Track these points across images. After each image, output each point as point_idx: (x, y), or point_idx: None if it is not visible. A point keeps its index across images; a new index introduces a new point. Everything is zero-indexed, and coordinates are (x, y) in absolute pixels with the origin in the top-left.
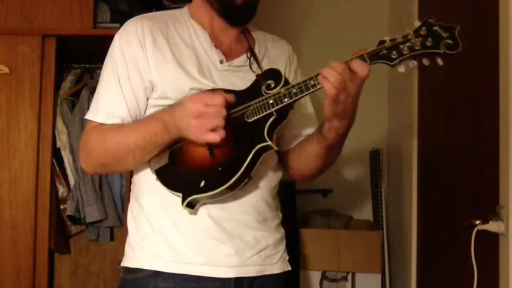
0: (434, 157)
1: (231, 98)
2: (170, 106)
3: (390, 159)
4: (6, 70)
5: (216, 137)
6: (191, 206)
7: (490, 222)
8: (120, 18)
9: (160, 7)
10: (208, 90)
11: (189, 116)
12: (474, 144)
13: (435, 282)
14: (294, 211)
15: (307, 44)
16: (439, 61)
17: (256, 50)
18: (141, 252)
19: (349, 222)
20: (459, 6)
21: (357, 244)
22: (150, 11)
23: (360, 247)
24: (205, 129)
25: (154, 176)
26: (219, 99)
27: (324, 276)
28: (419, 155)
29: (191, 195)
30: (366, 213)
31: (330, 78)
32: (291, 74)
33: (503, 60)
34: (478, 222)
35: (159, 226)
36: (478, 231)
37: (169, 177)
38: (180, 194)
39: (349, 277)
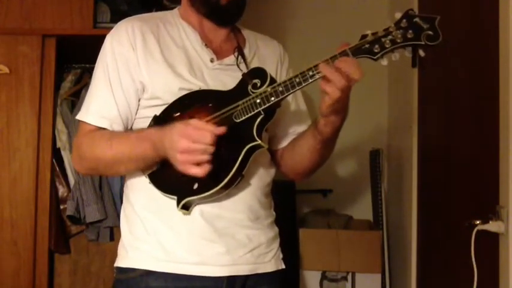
0: (434, 157)
1: (221, 131)
2: (161, 127)
3: (390, 159)
4: (6, 70)
5: (199, 172)
6: (186, 207)
7: (490, 222)
8: (120, 18)
9: (161, 7)
10: (197, 91)
11: (175, 149)
12: (474, 144)
13: (435, 282)
14: (294, 211)
15: (305, 42)
16: (421, 52)
17: (247, 50)
18: (133, 252)
19: (349, 222)
20: (459, 5)
21: (357, 244)
22: (150, 11)
23: (360, 247)
24: (190, 163)
25: (147, 180)
26: (208, 138)
27: (323, 276)
28: (419, 154)
29: (185, 198)
30: (366, 213)
31: (336, 81)
32: (283, 74)
33: (504, 60)
34: (478, 222)
35: (152, 226)
36: (478, 231)
37: (162, 181)
38: (175, 197)
39: (349, 277)
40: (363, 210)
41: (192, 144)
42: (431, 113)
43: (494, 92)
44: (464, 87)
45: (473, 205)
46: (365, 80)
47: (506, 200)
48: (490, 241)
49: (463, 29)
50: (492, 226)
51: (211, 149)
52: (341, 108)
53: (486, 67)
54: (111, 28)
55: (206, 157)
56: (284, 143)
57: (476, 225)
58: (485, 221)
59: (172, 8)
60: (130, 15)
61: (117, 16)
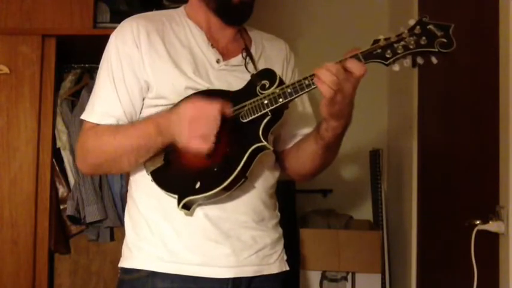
0: (434, 157)
1: (229, 111)
2: (167, 110)
3: (390, 159)
4: (6, 70)
5: (204, 147)
6: (187, 207)
7: (490, 222)
8: (120, 18)
9: (160, 7)
10: (203, 90)
11: (183, 121)
12: (474, 144)
13: (435, 282)
14: (294, 211)
15: (305, 43)
16: (434, 59)
17: (253, 50)
18: (138, 253)
19: (349, 222)
20: (459, 5)
21: (357, 244)
22: (150, 10)
23: (360, 247)
24: (196, 135)
25: (150, 178)
26: (216, 109)
27: (324, 276)
28: (419, 155)
29: (187, 197)
30: (366, 213)
31: (325, 79)
32: (288, 74)
33: (503, 60)
34: (478, 222)
35: (156, 227)
36: (478, 231)
37: (164, 179)
38: (176, 196)
39: (349, 277)
40: (363, 210)
41: (199, 113)
42: (431, 113)
43: (494, 92)
44: (464, 87)
45: (473, 205)
46: (365, 81)
47: (506, 200)
48: (490, 241)
49: (463, 30)
50: (492, 226)
51: (219, 121)
52: (341, 113)
53: (486, 67)
54: (111, 28)
55: (213, 130)
56: (289, 145)
57: (476, 225)
58: (485, 221)
59: (172, 8)
60: (130, 15)
61: (117, 16)
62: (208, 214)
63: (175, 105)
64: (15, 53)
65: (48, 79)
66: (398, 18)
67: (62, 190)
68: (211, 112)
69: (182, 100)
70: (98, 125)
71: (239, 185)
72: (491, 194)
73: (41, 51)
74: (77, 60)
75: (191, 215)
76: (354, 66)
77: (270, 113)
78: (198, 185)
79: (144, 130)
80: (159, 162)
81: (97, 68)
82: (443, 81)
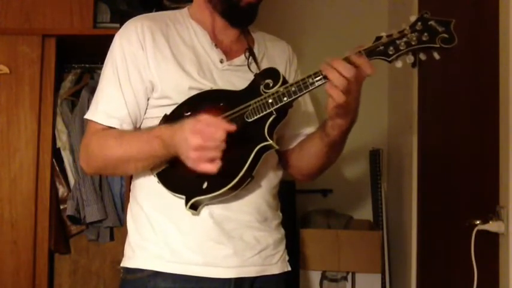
0: (434, 157)
1: (232, 128)
2: (171, 127)
3: (390, 159)
4: (6, 70)
5: (212, 169)
6: (194, 207)
7: (490, 222)
8: (120, 18)
9: (161, 7)
10: (207, 90)
11: (187, 147)
12: (474, 144)
13: (435, 282)
14: (294, 211)
15: (308, 43)
16: (436, 55)
17: (256, 50)
18: (140, 253)
19: (349, 222)
20: (459, 5)
21: (357, 244)
22: (150, 11)
23: (360, 247)
24: (202, 161)
25: (155, 179)
26: (220, 134)
27: (324, 276)
28: (419, 154)
29: (194, 197)
30: (366, 213)
31: (338, 84)
32: (292, 74)
33: (504, 60)
34: (478, 222)
35: (159, 226)
36: (478, 231)
37: (171, 180)
38: (183, 196)
39: (349, 277)
40: (363, 210)
41: (204, 141)
42: (431, 112)
43: (494, 92)
44: (464, 87)
45: (473, 205)
46: (366, 80)
47: (506, 200)
48: (490, 241)
49: (463, 29)
50: (492, 226)
51: (223, 145)
52: (348, 111)
53: (486, 66)
54: (111, 28)
55: (218, 154)
56: (292, 144)
57: (476, 225)
58: (485, 221)
59: (173, 8)
60: (130, 15)
61: (117, 16)
62: (213, 213)
63: (180, 107)
64: (15, 53)
65: (48, 79)
66: (398, 14)
67: (62, 190)
68: (216, 136)
69: (187, 101)
70: (102, 128)
71: (246, 184)
72: (491, 194)
73: (41, 51)
74: (77, 60)
75: (198, 214)
76: (365, 65)
77: (274, 112)
78: (205, 185)
79: (149, 145)
80: (164, 163)
81: (97, 68)
82: (444, 81)
